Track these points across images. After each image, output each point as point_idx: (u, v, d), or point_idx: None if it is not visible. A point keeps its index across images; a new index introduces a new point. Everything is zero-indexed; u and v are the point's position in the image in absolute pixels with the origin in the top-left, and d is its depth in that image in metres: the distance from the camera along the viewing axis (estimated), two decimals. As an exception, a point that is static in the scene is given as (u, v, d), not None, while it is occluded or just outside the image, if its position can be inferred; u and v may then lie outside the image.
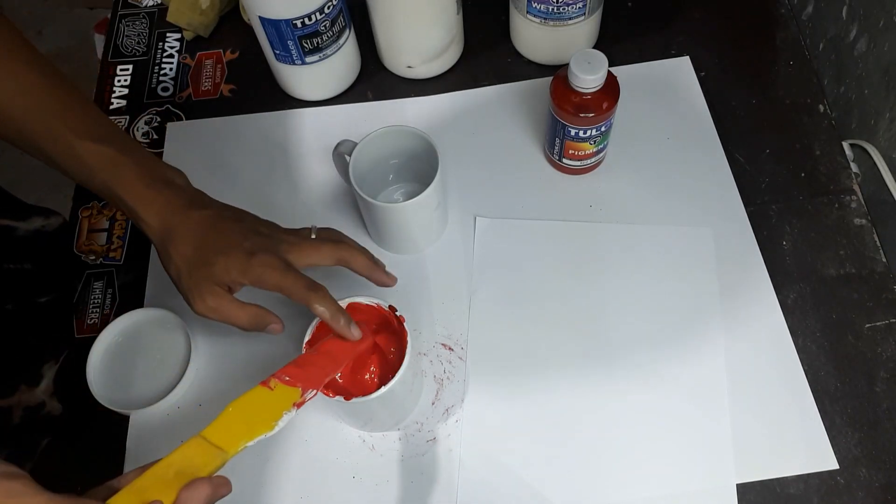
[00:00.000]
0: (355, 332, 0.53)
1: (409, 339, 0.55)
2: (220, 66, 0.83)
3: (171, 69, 0.83)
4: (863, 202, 0.69)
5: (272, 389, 0.49)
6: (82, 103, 0.53)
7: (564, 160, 0.70)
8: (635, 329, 0.64)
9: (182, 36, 0.85)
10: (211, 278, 0.51)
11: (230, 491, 0.44)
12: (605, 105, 0.64)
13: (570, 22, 0.73)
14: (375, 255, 0.69)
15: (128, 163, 0.52)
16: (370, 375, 0.58)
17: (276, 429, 0.47)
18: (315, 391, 0.51)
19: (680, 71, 0.78)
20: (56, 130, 0.51)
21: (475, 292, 0.67)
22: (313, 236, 0.55)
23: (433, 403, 0.62)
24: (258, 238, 0.52)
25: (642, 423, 0.60)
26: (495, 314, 0.66)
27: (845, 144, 0.74)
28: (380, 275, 0.57)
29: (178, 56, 0.84)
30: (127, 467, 0.61)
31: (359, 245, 0.56)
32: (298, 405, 0.49)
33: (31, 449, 0.64)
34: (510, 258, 0.68)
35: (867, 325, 0.63)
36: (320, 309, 0.51)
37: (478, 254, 0.68)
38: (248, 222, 0.53)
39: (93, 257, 0.72)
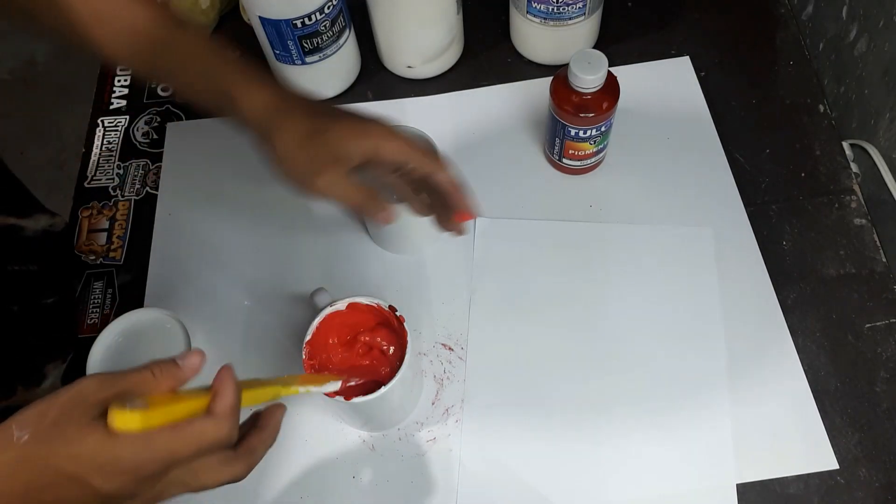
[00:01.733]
0: (475, 209, 0.52)
1: (409, 339, 0.55)
2: (220, 66, 0.83)
3: (171, 69, 0.83)
4: (863, 202, 0.69)
5: (322, 376, 0.54)
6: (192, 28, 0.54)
7: (564, 160, 0.70)
8: (635, 329, 0.64)
9: (182, 36, 0.85)
10: (326, 147, 0.49)
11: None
12: (605, 105, 0.64)
13: (570, 22, 0.73)
14: (376, 256, 0.69)
15: (235, 60, 0.52)
16: (371, 363, 0.58)
17: (324, 388, 0.52)
18: (357, 380, 0.55)
19: (680, 71, 0.78)
20: (174, 42, 0.52)
21: (475, 292, 0.67)
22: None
23: (433, 403, 0.62)
24: (366, 116, 0.51)
25: (642, 422, 0.60)
26: (495, 314, 0.66)
27: (845, 144, 0.74)
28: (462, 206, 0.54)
29: (178, 56, 0.84)
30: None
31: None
32: (345, 382, 0.54)
33: None
34: (510, 258, 0.68)
35: (867, 325, 0.63)
36: (445, 176, 0.51)
37: (478, 254, 0.68)
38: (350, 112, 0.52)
39: (93, 257, 0.72)
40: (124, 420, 0.38)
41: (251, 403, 0.48)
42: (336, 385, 0.53)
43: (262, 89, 0.51)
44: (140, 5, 0.53)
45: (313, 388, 0.52)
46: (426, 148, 0.52)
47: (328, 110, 0.52)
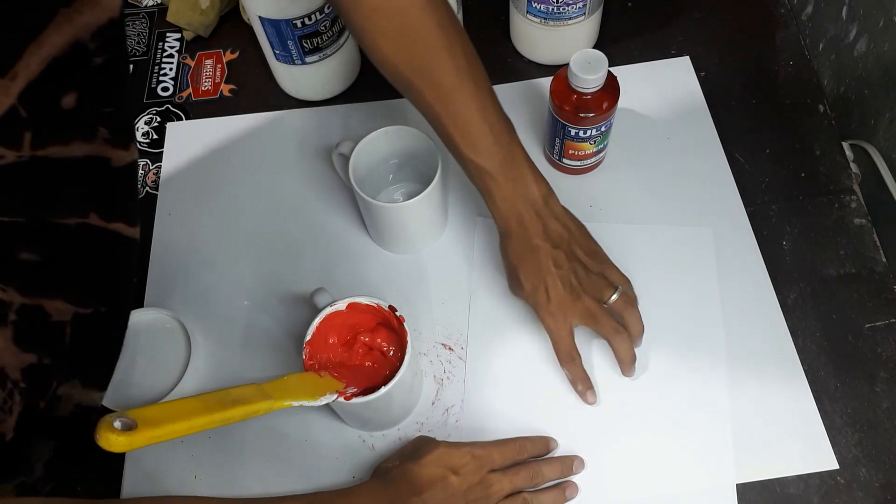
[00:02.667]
0: (592, 398, 0.61)
1: (409, 339, 0.55)
2: (220, 66, 0.83)
3: (171, 69, 0.83)
4: (863, 202, 0.69)
5: (322, 377, 0.55)
6: (474, 74, 0.57)
7: (564, 160, 0.70)
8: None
9: (182, 36, 0.85)
10: (542, 266, 0.58)
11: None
12: (605, 105, 0.64)
13: (570, 22, 0.73)
14: (376, 256, 0.69)
15: (499, 147, 0.57)
16: (370, 363, 0.59)
17: (319, 402, 0.52)
18: (356, 389, 0.55)
19: (680, 71, 0.78)
20: (449, 103, 0.56)
21: (475, 292, 0.67)
22: (614, 296, 0.59)
23: (433, 403, 0.62)
24: (580, 275, 0.58)
25: (642, 422, 0.60)
26: (495, 314, 0.66)
27: (845, 144, 0.74)
28: (627, 368, 0.61)
29: (178, 56, 0.84)
30: (127, 467, 0.61)
31: (621, 334, 0.59)
32: (341, 394, 0.54)
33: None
34: None
35: (867, 325, 0.63)
36: (623, 348, 0.59)
37: (478, 254, 0.68)
38: (575, 251, 0.59)
39: (93, 257, 0.72)
40: (109, 443, 0.41)
41: (245, 418, 0.49)
42: (332, 397, 0.53)
43: (513, 204, 0.57)
44: (446, 54, 0.56)
45: (307, 403, 0.52)
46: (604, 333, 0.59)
47: (553, 254, 0.58)
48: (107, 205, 0.50)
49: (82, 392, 0.54)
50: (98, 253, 0.51)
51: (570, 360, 0.59)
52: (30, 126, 0.42)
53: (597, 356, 0.63)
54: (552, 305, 0.58)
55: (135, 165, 0.51)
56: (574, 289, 0.58)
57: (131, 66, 0.84)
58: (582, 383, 0.60)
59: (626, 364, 0.60)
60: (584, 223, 0.62)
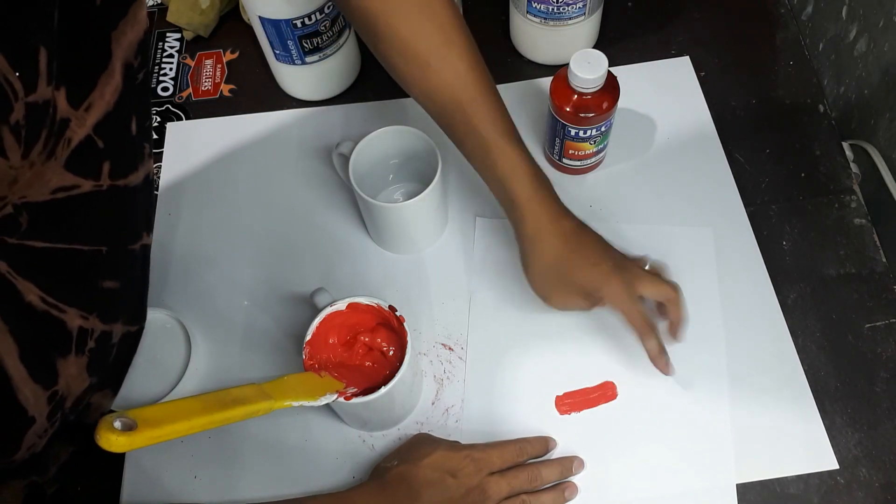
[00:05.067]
0: (671, 370, 0.58)
1: (409, 339, 0.55)
2: (220, 66, 0.83)
3: (171, 69, 0.83)
4: (863, 202, 0.69)
5: (321, 377, 0.55)
6: (493, 95, 0.58)
7: (564, 160, 0.70)
8: (625, 355, 0.63)
9: (182, 36, 0.85)
10: (572, 284, 0.57)
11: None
12: (605, 105, 0.64)
13: (570, 22, 0.73)
14: (376, 256, 0.70)
15: (523, 165, 0.56)
16: (370, 363, 0.58)
17: (319, 402, 0.52)
18: (356, 389, 0.54)
19: (680, 71, 0.78)
20: (473, 124, 0.56)
21: (475, 292, 0.67)
22: (647, 267, 0.60)
23: (433, 403, 0.62)
24: (612, 261, 0.57)
25: (642, 422, 0.60)
26: (495, 314, 0.66)
27: (845, 144, 0.74)
28: (680, 334, 0.59)
29: (178, 56, 0.84)
30: (127, 467, 0.61)
31: (679, 293, 0.58)
32: (341, 394, 0.54)
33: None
34: (510, 258, 0.68)
35: (867, 325, 0.63)
36: (651, 344, 0.57)
37: (478, 254, 0.68)
38: (602, 242, 0.59)
39: (93, 257, 0.72)
40: (109, 443, 0.41)
41: (245, 418, 0.49)
42: (332, 397, 0.53)
43: (539, 208, 0.56)
44: (456, 58, 0.56)
45: (307, 403, 0.52)
46: (665, 294, 0.58)
47: (581, 242, 0.58)
48: (150, 221, 0.51)
49: (106, 399, 0.55)
50: (144, 270, 0.51)
51: (650, 331, 0.57)
52: (108, 156, 0.42)
53: (596, 357, 0.63)
54: (615, 284, 0.56)
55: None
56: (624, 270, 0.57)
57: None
58: (664, 353, 0.58)
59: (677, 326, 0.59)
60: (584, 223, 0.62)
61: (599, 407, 0.61)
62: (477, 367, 0.63)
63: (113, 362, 0.50)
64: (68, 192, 0.40)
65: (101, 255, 0.45)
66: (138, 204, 0.48)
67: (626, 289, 0.56)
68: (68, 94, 0.38)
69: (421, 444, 0.56)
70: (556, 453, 0.60)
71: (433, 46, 0.56)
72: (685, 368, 0.62)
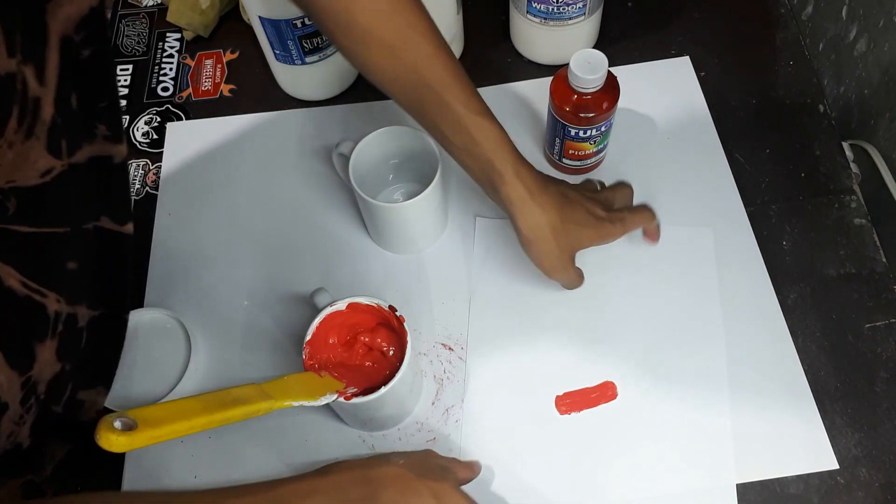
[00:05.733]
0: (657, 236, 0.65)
1: (409, 339, 0.55)
2: (219, 66, 0.83)
3: (171, 69, 0.83)
4: (863, 202, 0.69)
5: (322, 377, 0.55)
6: (463, 75, 0.57)
7: (564, 160, 0.70)
8: (635, 329, 0.64)
9: (182, 36, 0.85)
10: (569, 248, 0.59)
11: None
12: (605, 105, 0.64)
13: (570, 22, 0.73)
14: (376, 256, 0.69)
15: (504, 139, 0.57)
16: (370, 363, 0.58)
17: (319, 402, 0.52)
18: (356, 389, 0.55)
19: (680, 71, 0.78)
20: (447, 102, 0.55)
21: (475, 292, 0.67)
22: (599, 188, 0.64)
23: (433, 403, 0.62)
24: (591, 204, 0.60)
25: (642, 422, 0.60)
26: (495, 314, 0.66)
27: (845, 144, 0.74)
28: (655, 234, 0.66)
29: (178, 56, 0.84)
30: (127, 466, 0.61)
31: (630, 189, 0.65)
32: (341, 394, 0.54)
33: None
34: (510, 258, 0.68)
35: (867, 325, 0.63)
36: (652, 225, 0.64)
37: (478, 254, 0.68)
38: (573, 194, 0.60)
39: (93, 257, 0.72)
40: (109, 443, 0.41)
41: (245, 418, 0.49)
42: (332, 397, 0.53)
43: (522, 179, 0.56)
44: (421, 40, 0.55)
45: (307, 403, 0.52)
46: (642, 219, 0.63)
47: (570, 201, 0.59)
48: (112, 205, 0.50)
49: (100, 397, 0.54)
50: (107, 255, 0.51)
51: (651, 217, 0.63)
52: (64, 132, 0.41)
53: (597, 357, 0.63)
54: (608, 227, 0.60)
55: (128, 160, 0.50)
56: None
57: (131, 66, 0.84)
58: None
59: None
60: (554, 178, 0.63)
61: (599, 407, 0.61)
62: (477, 366, 0.63)
63: (88, 351, 0.49)
64: (51, 175, 0.40)
65: (68, 237, 0.44)
66: (87, 182, 0.46)
67: (617, 229, 0.60)
68: (36, 71, 0.37)
69: (427, 469, 0.54)
70: (556, 454, 0.60)
71: (395, 30, 0.55)
72: (685, 368, 0.62)
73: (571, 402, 0.61)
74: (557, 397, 0.61)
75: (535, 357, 0.64)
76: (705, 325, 0.64)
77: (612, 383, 0.62)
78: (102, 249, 0.50)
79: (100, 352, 0.53)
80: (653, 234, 0.66)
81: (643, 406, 0.61)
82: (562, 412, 0.61)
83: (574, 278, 0.62)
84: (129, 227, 0.51)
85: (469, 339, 0.65)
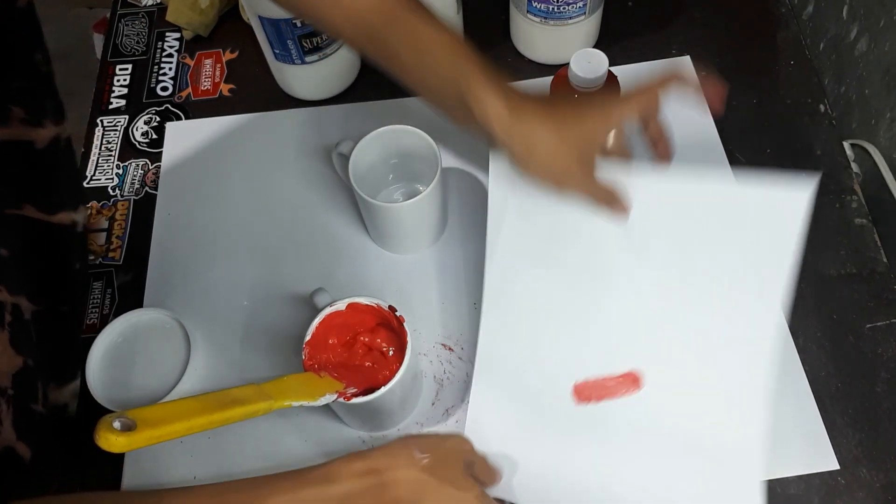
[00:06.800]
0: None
1: (408, 339, 0.55)
2: (219, 65, 0.83)
3: (170, 69, 0.83)
4: (863, 202, 0.69)
5: (321, 377, 0.55)
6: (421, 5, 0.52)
7: (565, 160, 0.70)
8: (674, 313, 0.57)
9: (181, 35, 0.85)
10: (576, 145, 0.51)
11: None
12: (605, 105, 0.64)
13: (570, 21, 0.73)
14: (376, 256, 0.69)
15: (463, 48, 0.51)
16: (370, 363, 0.58)
17: (319, 402, 0.52)
18: (356, 389, 0.54)
19: (680, 70, 0.77)
20: (398, 18, 0.51)
21: (492, 252, 0.59)
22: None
23: (433, 404, 0.62)
24: (581, 105, 0.53)
25: (667, 418, 0.57)
26: (506, 313, 0.61)
27: (846, 144, 0.74)
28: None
29: (178, 56, 0.84)
30: (127, 466, 0.61)
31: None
32: (341, 394, 0.54)
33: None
34: (528, 244, 0.60)
35: (868, 325, 0.63)
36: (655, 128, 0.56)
37: (494, 201, 0.60)
38: (552, 98, 0.54)
39: (92, 257, 0.72)
40: (109, 443, 0.41)
41: (245, 418, 0.49)
42: (332, 397, 0.53)
43: (498, 95, 0.50)
44: None
45: (306, 403, 0.52)
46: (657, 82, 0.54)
47: (556, 98, 0.53)
48: (40, 192, 0.47)
49: (72, 397, 0.53)
50: (39, 245, 0.48)
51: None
52: None
53: (600, 356, 0.63)
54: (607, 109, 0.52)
55: (64, 143, 0.48)
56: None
57: (130, 65, 0.84)
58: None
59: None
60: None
61: (602, 407, 0.58)
62: (480, 366, 0.60)
63: (45, 345, 0.47)
64: None
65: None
66: (3, 169, 0.44)
67: (621, 102, 0.53)
68: None
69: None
70: (571, 443, 0.57)
71: None
72: (723, 363, 0.56)
73: (591, 390, 0.57)
74: (576, 385, 0.57)
75: (539, 356, 0.60)
76: (758, 318, 0.56)
77: (637, 373, 0.57)
78: (32, 239, 0.47)
79: (58, 347, 0.51)
80: (664, 150, 0.55)
81: (669, 400, 0.56)
82: (579, 401, 0.57)
83: (599, 188, 0.53)
84: (63, 217, 0.49)
85: (483, 302, 0.60)
